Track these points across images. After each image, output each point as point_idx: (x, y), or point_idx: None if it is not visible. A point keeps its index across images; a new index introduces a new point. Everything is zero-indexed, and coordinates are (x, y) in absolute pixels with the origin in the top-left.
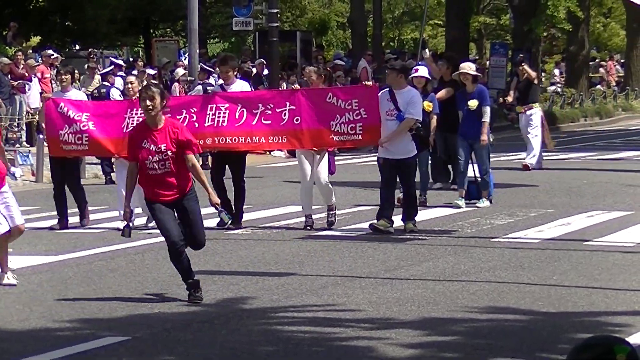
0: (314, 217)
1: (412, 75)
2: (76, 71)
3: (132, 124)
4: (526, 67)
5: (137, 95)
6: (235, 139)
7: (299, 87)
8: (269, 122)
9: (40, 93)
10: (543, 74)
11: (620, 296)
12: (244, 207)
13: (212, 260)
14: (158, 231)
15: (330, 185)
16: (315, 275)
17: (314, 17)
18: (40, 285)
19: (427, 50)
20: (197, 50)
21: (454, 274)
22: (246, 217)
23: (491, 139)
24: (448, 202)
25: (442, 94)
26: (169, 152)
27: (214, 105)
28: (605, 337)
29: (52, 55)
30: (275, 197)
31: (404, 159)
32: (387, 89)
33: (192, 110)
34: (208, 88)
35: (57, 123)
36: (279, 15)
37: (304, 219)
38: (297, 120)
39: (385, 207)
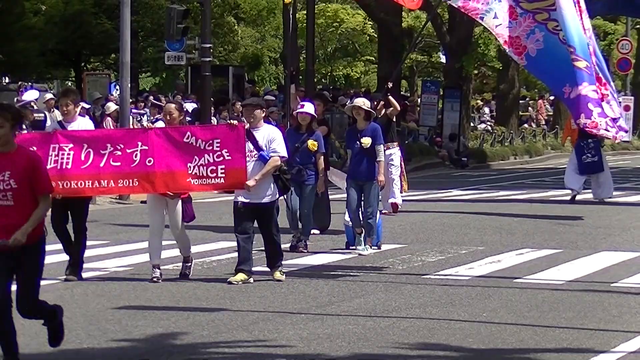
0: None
1: (297, 111)
2: None
3: None
4: (391, 98)
5: None
6: (81, 183)
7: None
8: (118, 163)
9: None
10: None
11: (549, 333)
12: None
13: (142, 295)
14: (84, 266)
15: (186, 234)
16: (247, 311)
17: (246, 52)
18: None
19: (293, 85)
20: (129, 84)
21: (385, 310)
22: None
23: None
24: (334, 248)
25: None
26: (11, 182)
27: (57, 145)
28: None
29: None
30: (207, 233)
31: (265, 202)
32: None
33: (31, 150)
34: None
35: None
36: (211, 50)
37: (229, 255)
38: (149, 161)
39: (245, 259)
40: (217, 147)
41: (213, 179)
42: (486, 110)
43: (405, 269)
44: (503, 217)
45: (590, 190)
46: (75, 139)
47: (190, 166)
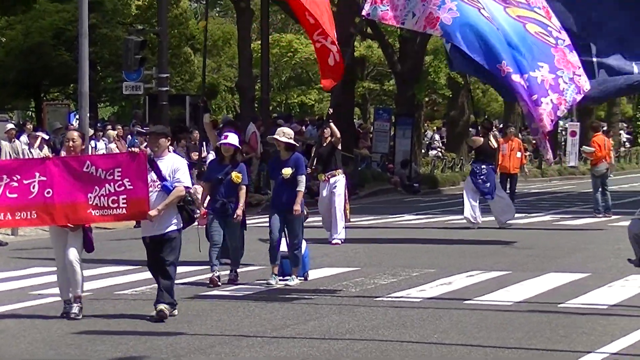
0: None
1: (221, 142)
2: None
3: None
4: (333, 125)
5: None
6: None
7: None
8: (14, 195)
9: None
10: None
11: (499, 354)
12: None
13: (101, 320)
14: (44, 292)
15: (79, 270)
16: (204, 335)
17: None
18: None
19: (207, 115)
20: (88, 114)
21: (338, 333)
22: (138, 277)
23: (305, 212)
24: (260, 279)
25: None
26: None
27: None
28: None
29: None
30: None
31: (166, 233)
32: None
33: None
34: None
35: None
36: (168, 80)
37: (186, 280)
38: (48, 192)
39: (163, 292)
40: (118, 176)
41: (115, 210)
42: (436, 137)
43: (358, 292)
44: (453, 240)
45: (526, 215)
46: None
47: (90, 197)
